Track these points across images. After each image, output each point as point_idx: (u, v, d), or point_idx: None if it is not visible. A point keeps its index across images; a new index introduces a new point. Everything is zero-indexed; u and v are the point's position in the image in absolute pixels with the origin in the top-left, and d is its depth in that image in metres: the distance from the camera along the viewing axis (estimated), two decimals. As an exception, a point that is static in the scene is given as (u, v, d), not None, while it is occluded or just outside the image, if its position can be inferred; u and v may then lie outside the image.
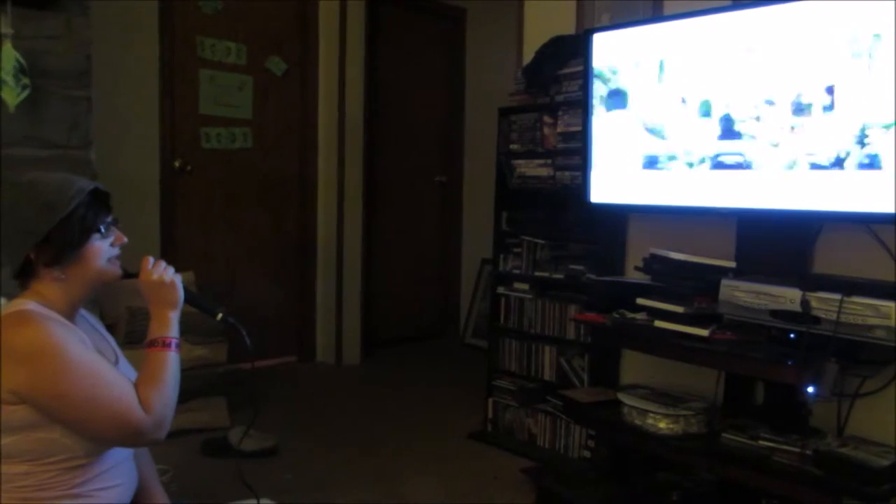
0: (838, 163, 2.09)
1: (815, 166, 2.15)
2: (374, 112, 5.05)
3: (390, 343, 5.31)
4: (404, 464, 3.16)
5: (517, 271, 3.45)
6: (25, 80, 2.54)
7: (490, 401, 3.56)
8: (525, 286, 3.42)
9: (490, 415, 3.57)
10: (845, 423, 2.23)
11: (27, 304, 1.37)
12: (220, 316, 1.56)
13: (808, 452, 2.08)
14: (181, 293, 1.49)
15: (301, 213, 4.80)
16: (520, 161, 3.38)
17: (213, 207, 4.40)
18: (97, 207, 1.43)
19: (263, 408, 3.21)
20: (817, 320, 2.02)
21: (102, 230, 1.43)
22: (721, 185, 2.38)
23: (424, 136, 5.56)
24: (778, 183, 2.24)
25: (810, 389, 2.04)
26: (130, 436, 1.37)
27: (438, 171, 5.65)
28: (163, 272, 1.47)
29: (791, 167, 2.20)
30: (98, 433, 1.36)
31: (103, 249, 1.43)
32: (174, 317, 1.48)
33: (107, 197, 1.46)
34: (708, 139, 2.40)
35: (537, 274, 3.35)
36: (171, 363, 1.43)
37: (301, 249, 4.82)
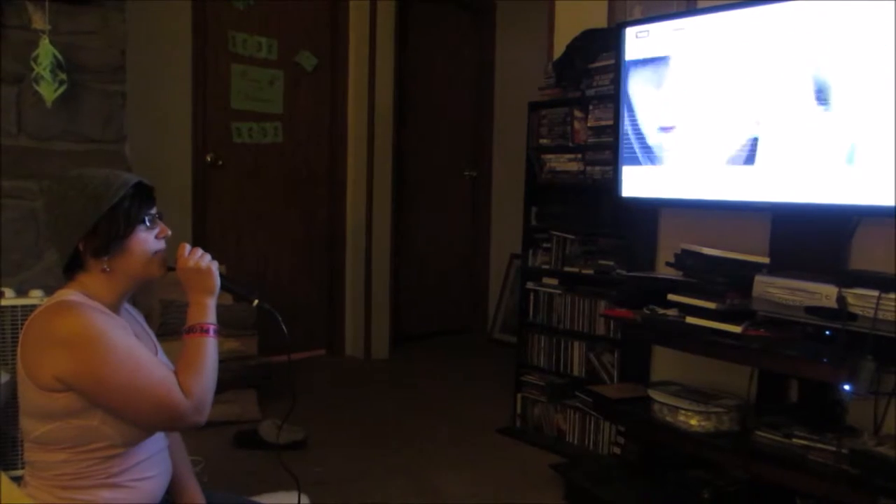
0: (876, 156, 2.06)
1: (852, 159, 2.11)
2: (404, 106, 5.07)
3: (419, 337, 5.32)
4: (433, 457, 3.17)
5: (546, 266, 3.44)
6: (62, 76, 2.58)
7: (518, 396, 3.56)
8: (554, 281, 3.40)
9: (518, 410, 3.56)
10: (882, 421, 2.18)
11: (70, 294, 1.40)
12: (255, 302, 1.57)
13: (844, 451, 2.04)
14: (217, 280, 1.50)
15: (330, 208, 4.83)
16: (549, 156, 3.37)
17: (244, 201, 4.44)
18: (142, 200, 1.45)
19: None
20: (854, 317, 1.99)
21: (147, 222, 1.45)
22: (755, 179, 2.35)
23: (454, 131, 5.56)
24: (814, 176, 2.20)
25: (846, 387, 2.00)
26: (171, 420, 1.39)
27: (468, 166, 5.64)
28: (199, 259, 1.49)
29: (828, 160, 2.16)
30: (139, 418, 1.38)
31: (148, 241, 1.45)
32: (211, 303, 1.49)
33: (151, 191, 1.48)
34: (743, 132, 2.37)
35: (566, 269, 3.34)
36: (209, 348, 1.45)
37: (330, 244, 4.85)
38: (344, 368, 4.64)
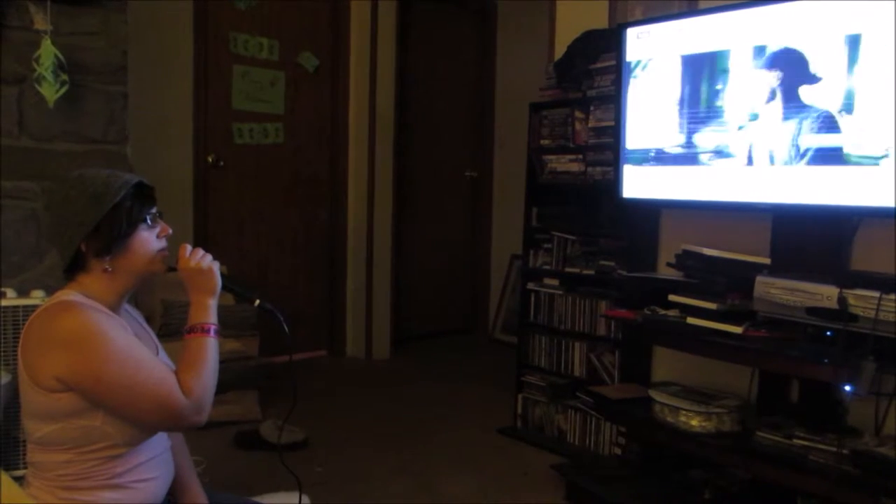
0: (878, 157, 2.06)
1: (853, 161, 2.11)
2: (405, 107, 5.07)
3: (419, 338, 5.32)
4: (434, 458, 3.17)
5: (547, 267, 3.44)
6: (64, 76, 2.58)
7: (519, 396, 3.56)
8: (555, 282, 3.41)
9: (519, 410, 3.56)
10: (883, 422, 2.18)
11: (70, 294, 1.41)
12: (257, 302, 1.57)
13: (845, 452, 2.05)
14: (219, 280, 1.50)
15: (331, 208, 4.83)
16: (550, 156, 3.37)
17: (245, 202, 4.45)
18: (143, 200, 1.45)
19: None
20: (854, 318, 1.99)
21: (149, 221, 1.46)
22: (756, 180, 2.35)
23: (455, 132, 5.56)
24: (815, 177, 2.20)
25: (847, 388, 2.00)
26: (171, 419, 1.39)
27: (468, 167, 5.64)
28: (200, 259, 1.49)
29: (829, 161, 2.16)
30: (140, 417, 1.38)
31: (150, 240, 1.46)
32: (212, 303, 1.49)
33: (151, 191, 1.49)
34: (743, 133, 2.37)
35: (567, 270, 3.34)
36: (210, 348, 1.45)
37: (331, 244, 4.85)
38: (345, 369, 4.64)
